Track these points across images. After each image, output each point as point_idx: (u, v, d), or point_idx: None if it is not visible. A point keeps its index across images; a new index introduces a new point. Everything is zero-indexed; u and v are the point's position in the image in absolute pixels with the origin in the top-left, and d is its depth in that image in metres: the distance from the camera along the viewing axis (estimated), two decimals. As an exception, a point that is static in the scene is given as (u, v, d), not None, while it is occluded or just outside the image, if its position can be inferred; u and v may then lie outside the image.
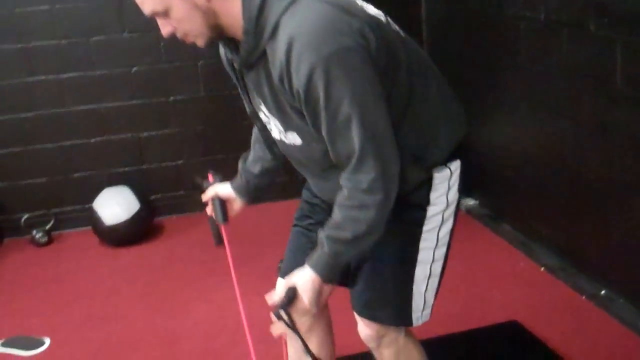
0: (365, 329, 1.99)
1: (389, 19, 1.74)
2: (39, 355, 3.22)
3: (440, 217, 1.87)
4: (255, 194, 2.18)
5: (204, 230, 4.43)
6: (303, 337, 1.75)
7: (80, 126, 4.59)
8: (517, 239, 3.93)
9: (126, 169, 4.69)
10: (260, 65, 1.64)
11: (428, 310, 1.97)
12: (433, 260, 1.90)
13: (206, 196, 2.19)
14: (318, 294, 1.74)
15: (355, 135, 1.57)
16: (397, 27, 1.75)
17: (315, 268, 1.71)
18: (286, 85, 1.57)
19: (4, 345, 3.30)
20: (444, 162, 1.83)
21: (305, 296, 1.73)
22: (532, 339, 2.94)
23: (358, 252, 1.74)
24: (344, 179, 1.65)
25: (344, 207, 1.66)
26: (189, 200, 4.77)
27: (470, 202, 4.49)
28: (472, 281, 3.58)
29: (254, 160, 2.14)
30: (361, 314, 1.96)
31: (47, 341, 3.32)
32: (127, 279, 3.98)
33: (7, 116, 4.48)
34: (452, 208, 1.89)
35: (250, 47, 1.61)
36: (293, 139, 1.75)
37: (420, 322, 1.97)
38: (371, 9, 1.70)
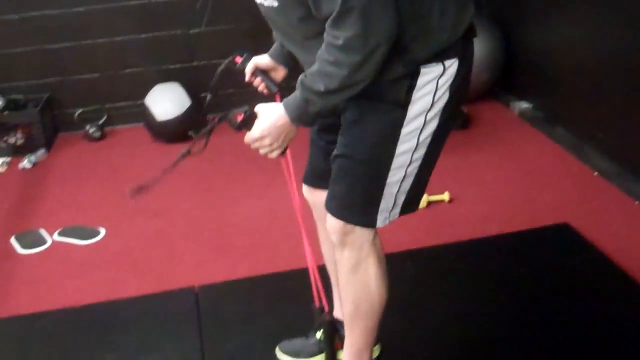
0: (331, 219, 1.89)
1: None
2: (95, 245, 3.32)
3: (422, 118, 1.74)
4: (293, 59, 2.05)
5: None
6: None
7: (132, 21, 4.58)
8: (570, 142, 3.86)
9: (177, 65, 4.69)
10: None
11: (397, 210, 1.88)
12: (410, 163, 1.80)
13: (248, 72, 2.13)
14: (279, 130, 1.75)
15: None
16: None
17: (286, 106, 1.73)
18: None
19: (61, 234, 3.41)
20: (438, 57, 1.70)
21: (260, 123, 1.77)
22: (582, 242, 2.92)
23: (329, 105, 1.70)
24: (325, 30, 1.61)
25: (321, 60, 1.63)
26: (239, 98, 4.75)
27: (524, 105, 4.40)
28: (523, 184, 3.55)
29: None
30: (328, 208, 1.89)
31: (102, 231, 3.42)
32: (179, 173, 3.99)
33: (60, 11, 4.48)
34: (437, 109, 1.74)
35: None
36: (270, 1, 1.70)
37: (386, 223, 1.88)
38: None
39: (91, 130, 4.63)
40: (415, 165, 1.81)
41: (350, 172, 1.82)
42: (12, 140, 4.44)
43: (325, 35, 1.61)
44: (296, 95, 1.71)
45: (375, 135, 1.77)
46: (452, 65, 1.72)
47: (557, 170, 3.68)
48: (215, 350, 2.43)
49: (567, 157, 3.80)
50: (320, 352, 2.24)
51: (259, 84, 2.10)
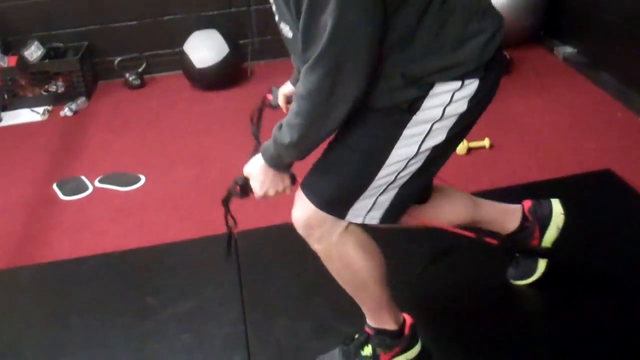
0: (297, 210, 1.83)
1: None
2: (135, 191, 3.36)
3: (428, 126, 1.66)
4: None
5: (286, 76, 4.49)
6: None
7: (169, -33, 4.55)
8: (615, 88, 3.76)
9: (215, 12, 4.66)
10: None
11: (377, 214, 1.79)
12: (403, 169, 1.71)
13: (283, 105, 2.25)
14: (274, 179, 1.80)
15: (310, 42, 1.52)
16: None
17: (264, 156, 1.76)
18: None
19: (102, 181, 3.44)
20: (458, 76, 1.62)
21: (255, 183, 1.83)
22: (625, 188, 2.87)
23: (299, 156, 1.71)
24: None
25: (289, 111, 1.64)
26: (277, 46, 4.71)
27: (568, 49, 4.29)
28: (566, 130, 3.48)
29: None
30: (302, 185, 1.82)
31: (143, 178, 3.45)
32: (218, 121, 4.05)
33: (97, -43, 4.47)
34: (447, 123, 1.67)
35: None
36: (286, 31, 1.67)
37: (358, 220, 1.79)
38: None
39: (131, 78, 4.64)
40: (407, 175, 1.73)
41: (340, 158, 1.76)
42: (53, 88, 4.48)
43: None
44: (269, 145, 1.73)
45: (377, 128, 1.69)
46: (472, 83, 1.64)
47: (601, 117, 3.60)
48: (254, 294, 2.45)
49: (612, 103, 3.71)
50: None
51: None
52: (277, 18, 1.68)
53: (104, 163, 3.67)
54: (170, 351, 2.24)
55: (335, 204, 1.78)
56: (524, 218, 2.24)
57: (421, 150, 1.69)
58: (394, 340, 2.03)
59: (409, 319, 2.07)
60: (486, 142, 3.33)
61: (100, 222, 3.12)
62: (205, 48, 4.37)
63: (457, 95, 1.64)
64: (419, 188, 1.83)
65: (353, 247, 1.85)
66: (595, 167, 3.06)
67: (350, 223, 1.81)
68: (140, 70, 4.69)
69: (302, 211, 1.81)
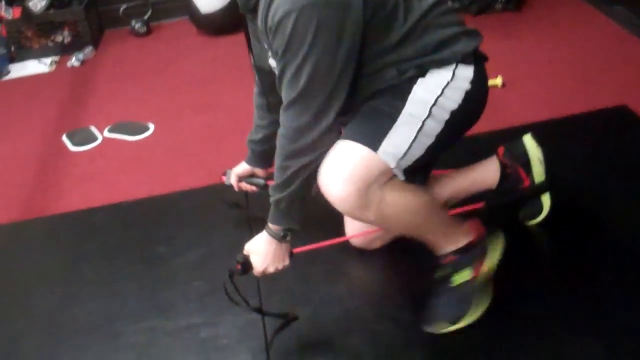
0: (337, 185, 1.75)
1: None
2: (144, 140, 3.34)
3: (436, 93, 1.77)
4: (265, 159, 2.37)
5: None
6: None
7: None
8: (631, 21, 3.66)
9: (219, -45, 4.56)
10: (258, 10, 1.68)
11: (406, 162, 1.79)
12: (427, 116, 1.76)
13: (236, 184, 2.45)
14: (273, 255, 1.92)
15: (290, 84, 1.65)
16: None
17: (267, 228, 1.90)
18: (265, 26, 1.64)
19: (111, 131, 3.43)
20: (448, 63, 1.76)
21: (256, 260, 1.92)
22: (641, 124, 2.82)
23: (295, 204, 1.83)
24: None
25: (276, 158, 1.81)
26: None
27: (582, -17, 4.18)
28: (580, 67, 3.41)
29: (255, 129, 2.31)
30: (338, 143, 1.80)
31: (152, 127, 3.42)
32: (226, 67, 4.00)
33: None
34: (442, 115, 1.78)
35: None
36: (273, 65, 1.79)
37: (389, 160, 1.75)
38: None
39: (137, 26, 4.59)
40: (435, 126, 1.79)
41: (365, 112, 1.81)
42: (59, 38, 4.43)
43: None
44: (270, 213, 1.88)
45: (388, 95, 1.78)
46: (467, 70, 1.78)
47: (615, 52, 3.51)
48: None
49: (627, 38, 3.62)
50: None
51: (247, 188, 2.45)
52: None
53: (112, 112, 3.64)
54: (183, 298, 2.24)
55: (367, 136, 1.76)
56: (502, 165, 2.21)
57: (434, 114, 1.76)
58: (481, 246, 1.97)
59: (471, 221, 2.00)
60: (498, 80, 3.26)
61: (110, 172, 3.11)
62: (210, -7, 4.29)
63: (454, 83, 1.77)
64: (437, 154, 1.94)
65: (399, 191, 1.82)
66: (610, 104, 3.00)
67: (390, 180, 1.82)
68: (146, 17, 4.62)
69: (343, 184, 1.74)
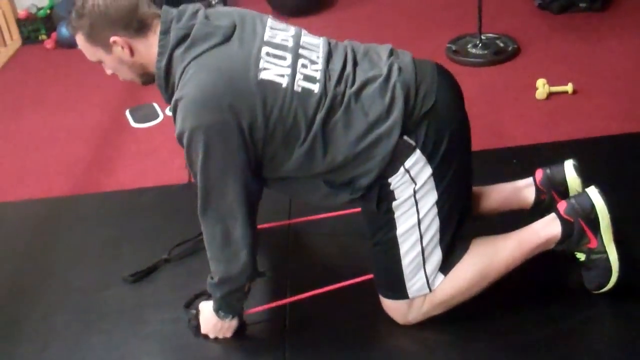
0: (390, 312, 1.98)
1: (306, 71, 1.76)
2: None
3: (411, 200, 1.82)
4: None
5: (378, 3, 4.33)
6: None
7: None
8: None
9: None
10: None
11: (436, 278, 1.89)
12: (421, 236, 1.84)
13: None
14: (213, 325, 2.01)
15: (199, 197, 1.78)
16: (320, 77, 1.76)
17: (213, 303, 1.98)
18: None
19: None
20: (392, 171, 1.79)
21: (202, 323, 2.03)
22: None
23: (230, 300, 1.94)
24: None
25: None
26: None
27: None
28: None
29: None
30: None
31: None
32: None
33: None
34: (427, 187, 1.81)
35: (166, 98, 1.83)
36: None
37: (424, 291, 1.90)
38: (274, 70, 1.73)
39: (214, 2, 4.58)
40: (430, 234, 1.85)
41: (373, 256, 1.95)
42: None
43: None
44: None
45: (375, 222, 1.88)
46: (414, 154, 1.77)
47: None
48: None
49: None
50: None
51: None
52: None
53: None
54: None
55: (392, 292, 1.93)
56: (538, 191, 2.11)
57: (421, 214, 1.82)
58: (574, 228, 1.90)
59: (559, 205, 1.93)
60: (569, 87, 3.11)
61: (166, 152, 3.12)
62: (286, -27, 4.25)
63: (413, 170, 1.79)
64: (458, 229, 1.89)
65: (445, 287, 1.90)
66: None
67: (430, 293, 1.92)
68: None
69: (390, 312, 1.97)
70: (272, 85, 1.72)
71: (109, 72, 1.91)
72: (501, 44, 3.58)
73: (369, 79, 1.78)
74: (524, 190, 2.14)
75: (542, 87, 3.10)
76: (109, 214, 2.73)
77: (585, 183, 2.05)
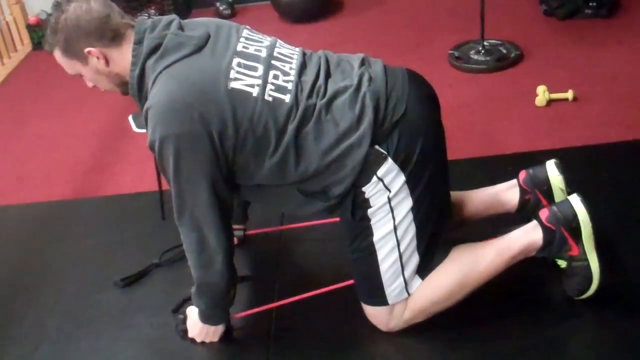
0: (370, 318, 2.00)
1: (277, 81, 1.77)
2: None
3: (387, 207, 1.82)
4: (242, 215, 2.39)
5: (383, 10, 4.35)
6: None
7: None
8: None
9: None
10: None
11: (413, 282, 1.90)
12: (398, 243, 1.85)
13: None
14: (199, 329, 2.02)
15: (174, 205, 1.81)
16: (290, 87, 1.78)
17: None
18: None
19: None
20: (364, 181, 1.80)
21: (188, 324, 2.05)
22: None
23: (212, 308, 1.97)
24: None
25: None
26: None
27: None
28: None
29: None
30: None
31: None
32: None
33: None
34: (402, 195, 1.81)
35: (140, 108, 1.85)
36: None
37: (403, 296, 1.91)
38: (245, 80, 1.75)
39: (221, 8, 4.64)
40: (407, 240, 1.85)
41: (352, 264, 1.95)
42: (145, 16, 4.51)
43: None
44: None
45: (352, 230, 1.89)
46: (386, 162, 1.77)
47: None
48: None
49: None
50: None
51: None
52: None
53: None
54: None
55: (372, 298, 1.94)
56: (522, 191, 2.11)
57: (397, 221, 1.83)
58: (555, 235, 1.90)
59: (541, 213, 1.92)
60: (569, 94, 3.09)
61: (165, 157, 3.14)
62: (292, -21, 4.27)
63: (386, 178, 1.79)
64: (435, 234, 1.89)
65: (425, 294, 1.91)
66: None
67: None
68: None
69: (372, 319, 1.98)
70: (242, 94, 1.73)
71: (89, 84, 1.94)
72: (504, 51, 3.57)
73: (340, 90, 1.79)
74: (508, 191, 2.15)
75: (542, 94, 3.08)
76: (105, 219, 2.75)
77: (576, 187, 2.03)
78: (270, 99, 1.75)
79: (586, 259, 1.90)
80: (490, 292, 1.93)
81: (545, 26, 3.86)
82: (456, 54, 3.61)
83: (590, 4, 3.81)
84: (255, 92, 1.74)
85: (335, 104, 1.77)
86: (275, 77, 1.78)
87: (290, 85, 1.77)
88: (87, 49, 1.79)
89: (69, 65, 1.87)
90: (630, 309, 1.98)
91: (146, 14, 4.48)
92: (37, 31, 4.52)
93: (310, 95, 1.77)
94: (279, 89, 1.76)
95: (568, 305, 1.99)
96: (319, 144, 1.76)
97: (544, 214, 1.91)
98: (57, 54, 1.85)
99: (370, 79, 1.82)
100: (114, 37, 1.80)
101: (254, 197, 2.02)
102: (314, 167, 1.78)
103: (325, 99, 1.77)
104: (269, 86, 1.76)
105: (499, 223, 2.08)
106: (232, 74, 1.74)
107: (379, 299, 1.91)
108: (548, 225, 1.89)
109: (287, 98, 1.76)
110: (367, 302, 1.96)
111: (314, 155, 1.77)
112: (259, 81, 1.76)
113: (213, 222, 1.81)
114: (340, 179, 1.79)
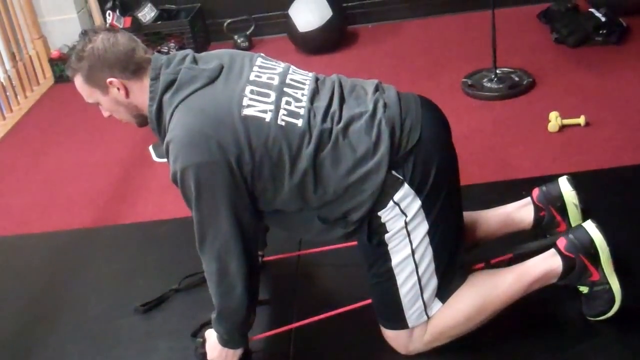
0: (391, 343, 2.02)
1: (290, 106, 1.82)
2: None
3: (403, 232, 1.85)
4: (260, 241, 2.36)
5: (397, 40, 4.42)
6: None
7: None
8: None
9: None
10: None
11: (433, 305, 1.93)
12: (417, 266, 1.88)
13: None
14: (218, 353, 2.01)
15: (196, 233, 1.86)
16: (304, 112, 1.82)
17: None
18: None
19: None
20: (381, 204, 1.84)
21: (207, 347, 2.05)
22: None
23: (232, 332, 1.98)
24: None
25: None
26: (384, 8, 4.66)
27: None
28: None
29: None
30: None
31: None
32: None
33: None
34: (418, 219, 1.84)
35: (160, 141, 1.92)
36: None
37: (423, 319, 1.94)
38: (258, 107, 1.80)
39: (239, 40, 4.71)
40: (425, 263, 1.88)
41: (370, 290, 1.99)
42: (164, 49, 4.60)
43: None
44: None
45: (370, 256, 1.93)
46: (402, 187, 1.81)
47: None
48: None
49: None
50: None
51: None
52: None
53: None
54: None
55: (392, 323, 1.97)
56: (537, 208, 2.15)
57: (414, 245, 1.86)
58: (575, 263, 1.93)
59: (559, 242, 1.95)
60: (581, 120, 3.12)
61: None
62: (308, 12, 4.35)
63: (403, 203, 1.82)
64: (452, 257, 1.91)
65: (445, 318, 1.94)
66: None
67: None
68: (248, 32, 4.75)
69: (391, 342, 2.00)
70: (256, 120, 1.79)
71: (105, 114, 2.00)
72: (516, 78, 3.61)
73: (355, 116, 1.84)
74: (521, 209, 2.19)
75: (554, 120, 3.12)
76: (126, 246, 2.82)
77: (590, 211, 2.09)
78: (283, 123, 1.80)
79: (607, 282, 1.94)
80: (508, 316, 1.96)
81: (556, 54, 3.91)
82: (469, 82, 3.66)
83: (600, 31, 3.86)
84: (268, 117, 1.79)
85: (352, 129, 1.82)
86: (288, 103, 1.83)
87: (302, 111, 1.82)
88: (109, 79, 1.86)
89: (88, 93, 1.93)
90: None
91: (166, 47, 4.59)
92: (59, 65, 4.62)
93: (324, 120, 1.82)
94: (292, 114, 1.82)
95: (587, 326, 2.02)
96: (337, 168, 1.81)
97: (561, 243, 1.94)
98: (78, 81, 1.91)
99: (385, 105, 1.87)
100: (136, 71, 1.87)
101: (276, 223, 2.06)
102: (332, 191, 1.82)
103: (341, 124, 1.82)
104: (282, 111, 1.81)
105: (513, 241, 2.14)
106: (245, 102, 1.80)
107: (399, 322, 1.95)
108: (567, 254, 1.93)
109: (299, 122, 1.81)
110: (386, 326, 1.99)
111: (333, 180, 1.81)
112: (272, 107, 1.81)
113: (236, 251, 1.84)
114: (359, 204, 1.83)
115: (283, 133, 1.79)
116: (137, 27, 4.57)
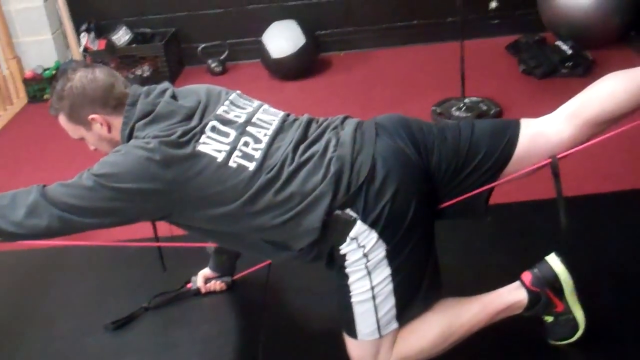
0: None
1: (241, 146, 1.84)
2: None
3: (362, 261, 1.85)
4: (231, 268, 2.48)
5: (368, 68, 4.49)
6: None
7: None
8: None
9: (296, 2, 4.71)
10: None
11: (389, 325, 1.92)
12: (374, 295, 1.87)
13: (201, 285, 2.49)
14: None
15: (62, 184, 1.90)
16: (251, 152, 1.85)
17: None
18: None
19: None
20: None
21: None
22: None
23: None
24: None
25: None
26: (356, 37, 4.75)
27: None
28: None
29: None
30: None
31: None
32: (291, 111, 4.08)
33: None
34: (377, 251, 1.84)
35: None
36: None
37: (376, 336, 1.92)
38: (213, 145, 1.82)
39: (213, 65, 4.76)
40: (381, 287, 1.87)
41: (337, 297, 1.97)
42: (139, 72, 4.64)
43: None
44: None
45: (335, 284, 1.93)
46: (356, 225, 1.81)
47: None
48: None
49: None
50: None
51: (215, 286, 2.48)
52: None
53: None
54: (188, 340, 2.30)
55: (348, 329, 1.95)
56: (533, 294, 2.00)
57: (375, 275, 1.85)
58: (540, 297, 1.99)
59: (524, 276, 2.00)
60: (546, 149, 3.20)
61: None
62: (282, 38, 4.43)
63: (354, 235, 1.82)
64: (414, 285, 1.91)
65: (410, 343, 1.95)
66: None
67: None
68: (222, 57, 4.80)
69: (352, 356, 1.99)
70: (206, 157, 1.81)
71: (91, 147, 2.04)
72: (484, 107, 3.70)
73: (308, 157, 1.85)
74: (513, 294, 2.04)
75: (522, 149, 3.19)
76: (96, 265, 2.82)
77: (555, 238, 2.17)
78: (234, 165, 1.82)
79: (571, 312, 2.01)
80: (476, 340, 2.00)
81: (523, 84, 4.02)
82: (438, 110, 3.74)
83: (567, 64, 3.98)
84: (220, 157, 1.82)
85: (302, 170, 1.83)
86: (246, 144, 1.85)
87: (257, 154, 1.84)
88: (91, 116, 1.90)
89: (73, 130, 1.97)
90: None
91: (140, 70, 4.62)
92: (33, 85, 4.64)
93: (277, 163, 1.83)
94: (246, 156, 1.83)
95: (551, 348, 2.09)
96: (276, 208, 1.82)
97: (526, 277, 1.99)
98: (62, 119, 1.95)
99: (337, 143, 1.87)
100: (117, 106, 1.91)
101: (228, 243, 2.10)
102: (269, 226, 1.84)
103: (293, 166, 1.83)
104: (237, 152, 1.83)
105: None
106: (202, 138, 1.83)
107: (352, 332, 1.94)
108: (532, 288, 1.98)
109: (251, 166, 1.82)
110: (343, 330, 1.98)
111: (269, 217, 1.83)
112: (227, 147, 1.83)
113: (44, 220, 1.85)
114: (298, 236, 1.84)
115: (231, 174, 1.81)
116: (111, 50, 4.61)
